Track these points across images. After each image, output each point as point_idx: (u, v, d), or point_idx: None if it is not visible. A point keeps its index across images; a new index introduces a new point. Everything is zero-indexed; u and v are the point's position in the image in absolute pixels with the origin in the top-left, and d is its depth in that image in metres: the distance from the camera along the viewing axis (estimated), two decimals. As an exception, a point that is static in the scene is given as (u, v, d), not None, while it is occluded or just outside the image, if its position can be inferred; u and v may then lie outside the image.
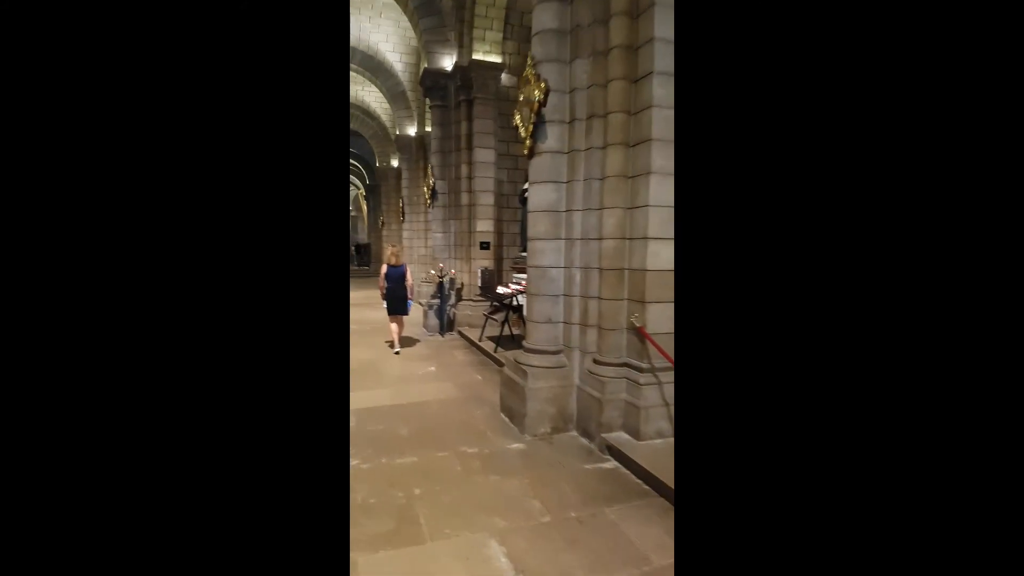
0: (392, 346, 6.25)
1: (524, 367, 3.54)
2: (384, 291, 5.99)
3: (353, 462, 3.01)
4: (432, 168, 7.85)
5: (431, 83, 7.67)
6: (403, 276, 6.00)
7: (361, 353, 6.12)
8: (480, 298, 7.38)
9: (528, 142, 3.65)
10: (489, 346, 5.95)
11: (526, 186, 7.45)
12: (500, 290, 6.63)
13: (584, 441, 3.34)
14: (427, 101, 8.15)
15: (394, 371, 5.30)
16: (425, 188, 8.20)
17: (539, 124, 3.55)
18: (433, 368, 5.42)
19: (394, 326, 6.16)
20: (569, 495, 2.62)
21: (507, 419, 3.73)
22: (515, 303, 5.97)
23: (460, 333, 7.22)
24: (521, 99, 3.72)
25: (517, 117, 3.81)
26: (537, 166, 3.62)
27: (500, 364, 5.24)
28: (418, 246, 11.64)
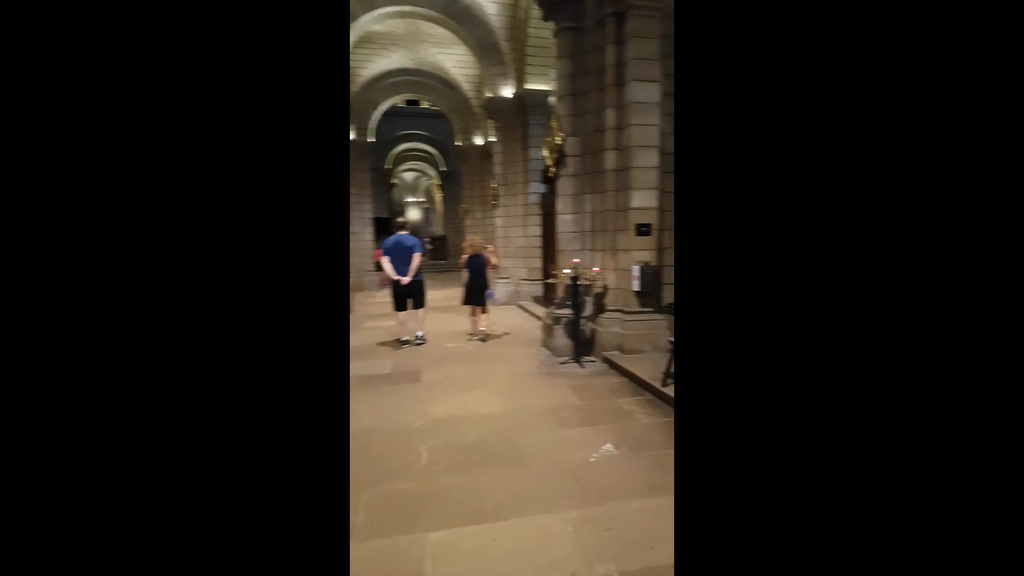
0: (471, 337, 6.19)
1: None
2: (465, 275, 6.08)
3: None
4: (558, 120, 5.47)
5: (558, -4, 5.27)
6: (482, 266, 6.06)
7: (485, 402, 3.86)
8: (643, 310, 4.92)
9: None
10: (689, 397, 3.50)
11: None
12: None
13: None
14: (535, 27, 5.76)
15: (550, 447, 2.99)
16: (550, 147, 5.84)
17: None
18: (611, 445, 3.05)
19: (473, 317, 6.16)
20: None
21: None
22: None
23: (609, 362, 4.80)
24: None
25: None
26: None
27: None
28: (515, 236, 9.35)
